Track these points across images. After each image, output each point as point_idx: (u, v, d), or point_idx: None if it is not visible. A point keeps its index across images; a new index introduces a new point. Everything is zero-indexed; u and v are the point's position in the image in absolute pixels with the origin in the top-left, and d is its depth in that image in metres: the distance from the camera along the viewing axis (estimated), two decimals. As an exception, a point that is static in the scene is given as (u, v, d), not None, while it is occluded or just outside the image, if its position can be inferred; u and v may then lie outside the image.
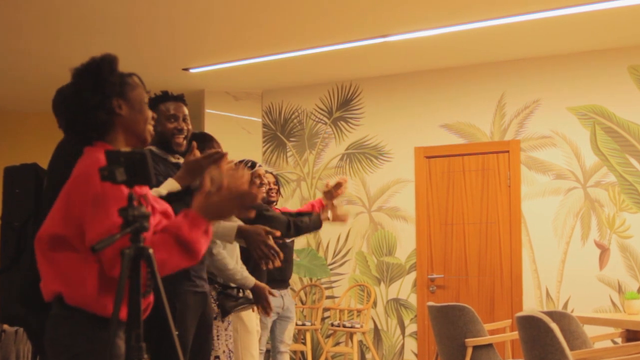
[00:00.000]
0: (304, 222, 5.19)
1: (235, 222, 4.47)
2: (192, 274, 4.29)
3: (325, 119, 10.03)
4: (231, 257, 5.23)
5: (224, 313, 5.13)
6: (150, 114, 3.15)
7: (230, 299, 5.16)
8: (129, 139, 3.09)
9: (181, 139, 4.34)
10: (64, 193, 2.93)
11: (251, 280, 5.23)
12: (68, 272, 2.89)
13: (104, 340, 2.75)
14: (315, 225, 5.29)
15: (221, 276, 5.22)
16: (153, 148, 4.30)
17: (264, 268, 4.38)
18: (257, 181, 6.24)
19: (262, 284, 5.33)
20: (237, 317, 5.42)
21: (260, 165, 6.32)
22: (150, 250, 2.63)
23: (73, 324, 2.89)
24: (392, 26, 7.59)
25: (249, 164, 6.24)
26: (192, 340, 4.27)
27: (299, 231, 5.23)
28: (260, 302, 5.26)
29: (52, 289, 2.92)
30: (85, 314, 2.87)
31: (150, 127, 3.15)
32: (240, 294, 5.29)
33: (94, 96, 2.98)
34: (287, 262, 7.07)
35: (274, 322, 7.06)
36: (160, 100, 4.36)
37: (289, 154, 10.26)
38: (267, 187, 6.61)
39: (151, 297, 2.97)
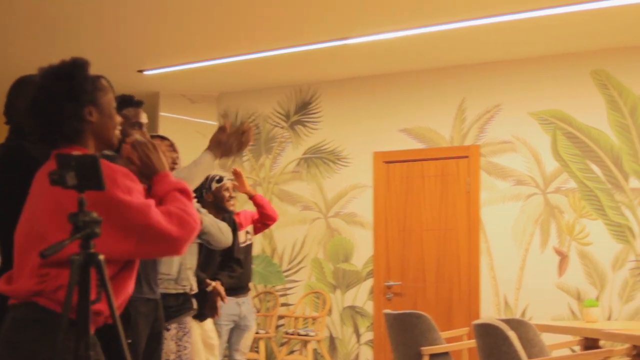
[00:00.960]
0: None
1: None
2: (144, 280, 4.25)
3: (282, 122, 9.87)
4: (170, 264, 5.04)
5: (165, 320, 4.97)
6: (119, 119, 3.14)
7: (169, 308, 4.97)
8: (98, 144, 3.07)
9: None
10: (55, 198, 2.84)
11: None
12: (51, 273, 2.81)
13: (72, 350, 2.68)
14: None
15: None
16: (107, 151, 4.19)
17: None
18: (227, 194, 6.27)
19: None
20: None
21: (229, 179, 6.46)
22: (101, 257, 2.60)
23: (47, 330, 2.78)
24: (351, 29, 7.51)
25: (217, 178, 6.25)
26: (144, 349, 4.23)
27: None
28: None
29: (29, 288, 2.82)
30: (58, 319, 2.71)
31: (117, 132, 3.13)
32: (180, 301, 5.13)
33: (68, 104, 2.94)
34: (246, 268, 6.92)
35: (231, 331, 6.95)
36: (124, 105, 4.27)
37: (244, 158, 10.10)
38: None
39: (127, 296, 3.01)
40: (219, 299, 5.70)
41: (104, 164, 2.77)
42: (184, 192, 3.07)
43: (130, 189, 2.87)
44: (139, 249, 2.87)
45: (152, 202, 2.90)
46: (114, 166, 2.89)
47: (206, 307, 5.66)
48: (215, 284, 5.71)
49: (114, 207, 2.80)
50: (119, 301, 2.93)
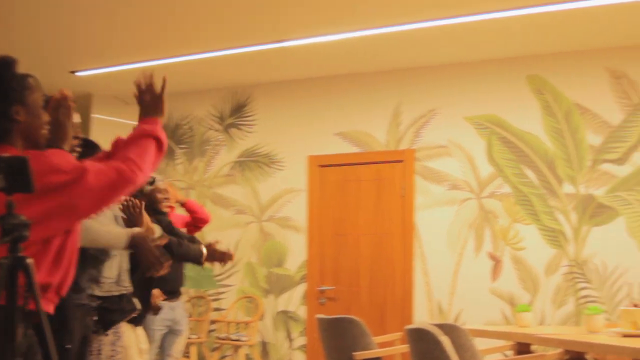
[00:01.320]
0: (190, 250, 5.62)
1: (126, 229, 4.56)
2: (77, 286, 4.18)
3: (217, 125, 9.75)
4: (110, 268, 4.92)
5: (109, 324, 4.85)
6: (46, 118, 3.11)
7: (114, 311, 4.86)
8: (25, 143, 3.04)
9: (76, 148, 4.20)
10: None
11: (123, 233, 4.80)
12: None
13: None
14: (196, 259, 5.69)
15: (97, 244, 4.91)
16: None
17: (154, 275, 4.55)
18: (159, 196, 6.15)
19: (139, 230, 5.01)
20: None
21: (161, 180, 6.33)
22: (29, 260, 2.59)
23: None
24: (288, 31, 7.44)
25: (149, 180, 6.13)
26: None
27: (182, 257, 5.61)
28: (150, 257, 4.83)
29: None
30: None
31: (45, 132, 3.10)
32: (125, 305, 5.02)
33: None
34: (177, 272, 6.81)
35: (164, 336, 6.84)
36: None
37: (178, 161, 9.95)
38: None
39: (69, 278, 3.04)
40: (218, 246, 5.86)
41: (35, 154, 2.80)
42: (161, 143, 3.20)
43: (67, 163, 2.91)
44: (84, 212, 2.97)
45: (86, 165, 2.94)
46: (45, 152, 2.91)
47: (220, 260, 5.85)
48: (207, 243, 5.84)
49: (60, 191, 2.84)
50: (65, 268, 2.98)
